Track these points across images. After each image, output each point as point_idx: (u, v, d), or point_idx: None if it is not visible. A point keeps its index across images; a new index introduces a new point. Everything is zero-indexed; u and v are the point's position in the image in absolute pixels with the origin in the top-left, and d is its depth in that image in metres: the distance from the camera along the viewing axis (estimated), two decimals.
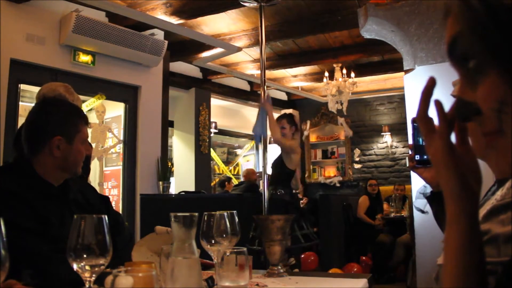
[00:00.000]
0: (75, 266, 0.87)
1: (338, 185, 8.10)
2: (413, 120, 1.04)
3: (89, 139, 5.17)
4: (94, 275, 0.88)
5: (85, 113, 1.70)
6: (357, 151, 8.09)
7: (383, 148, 7.95)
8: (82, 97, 4.33)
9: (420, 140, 1.08)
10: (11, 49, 3.79)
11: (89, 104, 4.62)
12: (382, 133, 7.88)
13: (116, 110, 4.98)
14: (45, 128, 1.46)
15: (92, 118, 4.73)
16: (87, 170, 2.43)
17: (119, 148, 4.93)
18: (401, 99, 7.26)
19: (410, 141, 1.16)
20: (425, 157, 1.08)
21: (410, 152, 1.15)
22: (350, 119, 8.06)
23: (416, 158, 1.11)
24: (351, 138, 8.14)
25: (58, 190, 1.49)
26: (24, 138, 1.49)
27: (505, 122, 0.47)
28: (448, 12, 0.51)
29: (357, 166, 8.08)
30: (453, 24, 0.50)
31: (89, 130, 4.56)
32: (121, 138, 4.88)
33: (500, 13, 0.44)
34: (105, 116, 4.78)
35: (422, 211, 3.34)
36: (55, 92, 2.18)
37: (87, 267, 0.87)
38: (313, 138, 8.47)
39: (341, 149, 8.24)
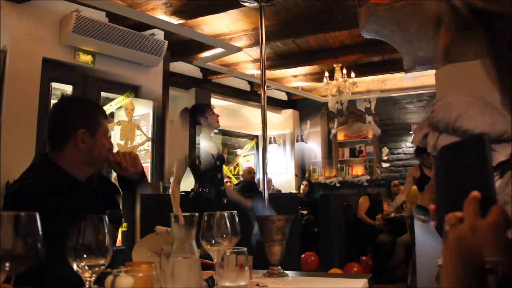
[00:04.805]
0: (75, 266, 0.87)
1: (338, 185, 8.09)
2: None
3: (119, 137, 5.18)
4: (94, 275, 0.88)
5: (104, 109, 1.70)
6: (385, 150, 7.95)
7: (412, 147, 7.67)
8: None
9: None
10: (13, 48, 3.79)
11: (118, 102, 4.69)
12: (411, 132, 7.64)
13: (144, 108, 5.04)
14: (68, 122, 1.48)
15: (121, 115, 4.78)
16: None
17: (148, 145, 5.00)
18: (430, 97, 7.17)
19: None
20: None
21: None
22: (378, 117, 7.95)
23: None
24: (379, 137, 8.00)
25: (85, 183, 1.50)
26: (47, 135, 1.49)
27: None
28: (439, 22, 0.51)
29: (385, 165, 7.93)
30: (445, 32, 0.50)
31: (118, 128, 4.64)
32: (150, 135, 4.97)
33: (490, 19, 0.44)
34: (134, 113, 4.84)
35: (423, 221, 3.35)
36: None
37: (87, 267, 0.87)
38: (340, 137, 8.35)
39: (369, 147, 8.12)
